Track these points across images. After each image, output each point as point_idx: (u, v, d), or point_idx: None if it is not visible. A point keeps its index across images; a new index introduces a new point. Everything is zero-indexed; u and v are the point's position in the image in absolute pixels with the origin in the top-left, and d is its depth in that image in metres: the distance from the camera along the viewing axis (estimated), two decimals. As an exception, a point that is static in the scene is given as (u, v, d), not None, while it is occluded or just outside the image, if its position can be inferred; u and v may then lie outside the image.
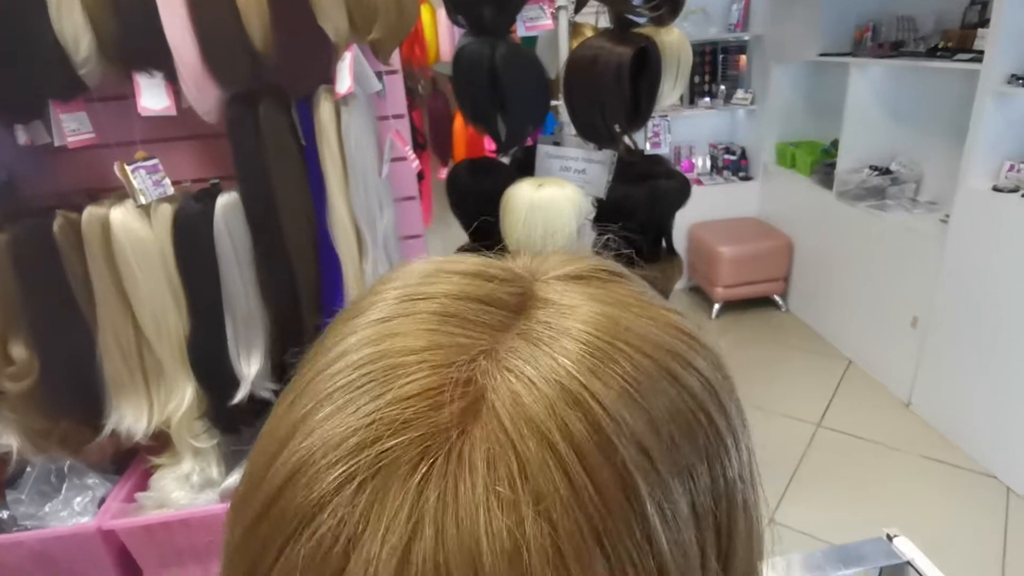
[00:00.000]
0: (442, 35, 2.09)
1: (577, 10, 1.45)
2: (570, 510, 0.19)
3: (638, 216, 1.40)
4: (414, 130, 2.12)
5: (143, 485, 1.28)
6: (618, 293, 0.28)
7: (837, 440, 2.83)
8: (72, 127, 1.08)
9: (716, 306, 3.88)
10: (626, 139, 1.39)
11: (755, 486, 0.28)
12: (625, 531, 0.20)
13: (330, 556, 0.19)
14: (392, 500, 0.19)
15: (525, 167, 1.48)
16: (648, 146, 1.70)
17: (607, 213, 1.42)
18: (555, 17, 1.39)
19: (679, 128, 4.11)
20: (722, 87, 4.04)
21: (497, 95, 1.32)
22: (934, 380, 2.85)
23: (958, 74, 2.69)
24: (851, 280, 3.35)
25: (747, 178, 4.15)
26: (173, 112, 1.09)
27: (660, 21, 1.34)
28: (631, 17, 1.32)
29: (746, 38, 3.94)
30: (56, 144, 1.09)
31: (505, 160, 1.52)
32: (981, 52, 2.44)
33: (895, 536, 0.93)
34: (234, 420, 1.26)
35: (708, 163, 4.31)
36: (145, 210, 1.11)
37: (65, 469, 1.26)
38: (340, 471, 0.19)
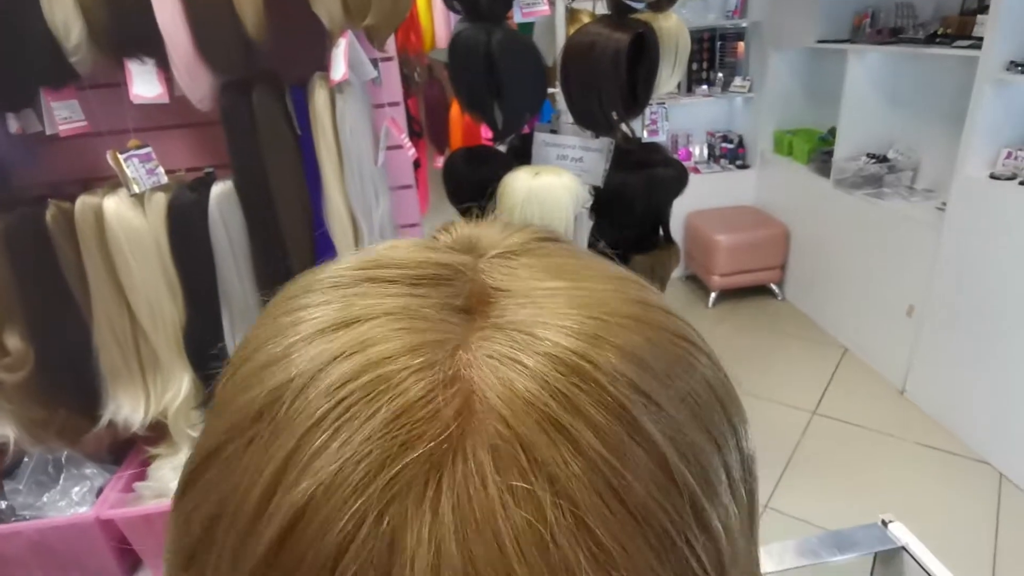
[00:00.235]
0: (438, 22, 2.07)
1: (574, -4, 1.44)
2: (588, 481, 0.18)
3: (635, 204, 1.40)
4: (410, 118, 2.11)
5: (141, 475, 1.28)
6: (563, 259, 0.27)
7: (832, 427, 2.85)
8: (63, 115, 1.07)
9: (712, 294, 3.89)
10: (623, 127, 1.38)
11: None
12: (651, 484, 0.19)
13: None
14: (411, 527, 0.18)
15: (522, 155, 1.48)
16: (645, 134, 1.69)
17: (604, 201, 1.41)
18: (552, 3, 1.38)
19: (676, 116, 4.10)
20: (720, 75, 4.02)
21: (493, 82, 1.31)
22: (929, 368, 2.87)
23: (957, 61, 2.68)
24: (847, 268, 3.36)
25: (744, 166, 4.14)
26: (166, 100, 1.08)
27: (658, 7, 1.33)
28: (629, 3, 1.31)
29: (744, 25, 3.91)
30: (48, 132, 1.08)
31: (502, 148, 1.51)
32: (980, 39, 2.43)
33: (890, 522, 0.94)
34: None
35: (705, 151, 4.30)
36: (139, 199, 1.10)
37: (63, 459, 1.26)
38: (352, 511, 0.18)
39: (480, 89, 1.33)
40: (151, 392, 1.21)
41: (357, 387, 0.20)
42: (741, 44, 3.99)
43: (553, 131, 1.47)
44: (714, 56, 4.04)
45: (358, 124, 1.12)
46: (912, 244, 2.87)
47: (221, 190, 1.12)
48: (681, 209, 4.06)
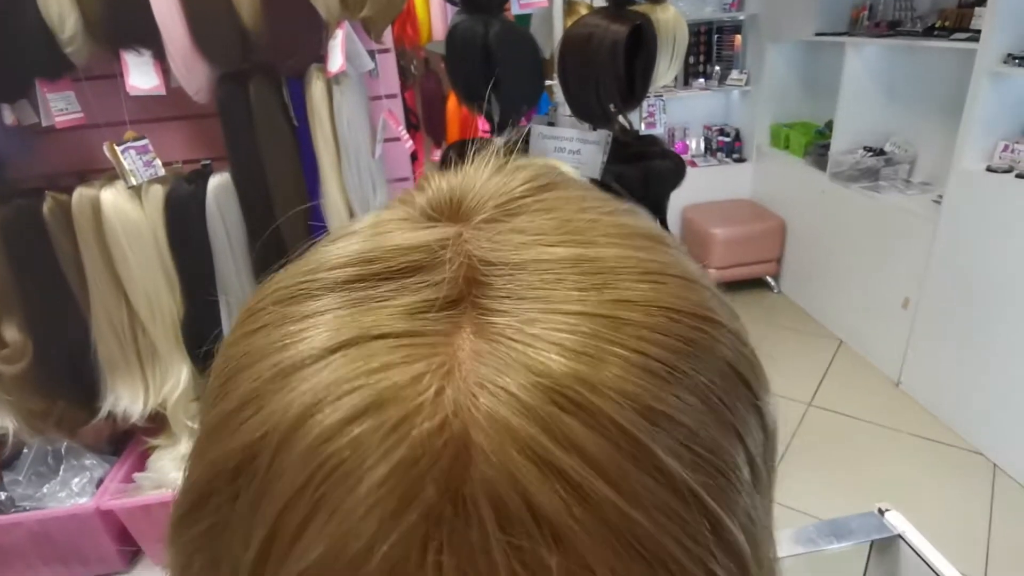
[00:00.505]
0: (434, 14, 2.06)
1: (571, -13, 1.43)
2: (595, 532, 0.17)
3: (632, 197, 1.40)
4: (407, 110, 2.10)
5: (140, 466, 1.28)
6: (565, 214, 0.23)
7: (828, 419, 2.86)
8: (60, 106, 1.07)
9: (710, 287, 3.89)
10: (621, 119, 1.38)
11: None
12: (664, 518, 0.17)
13: None
14: None
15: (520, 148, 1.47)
16: (643, 126, 1.69)
17: (602, 193, 1.41)
18: (549, -5, 1.38)
19: (673, 109, 4.09)
20: (717, 68, 4.01)
21: (490, 74, 1.31)
22: (924, 360, 2.88)
23: (954, 53, 2.68)
24: (843, 261, 3.37)
25: (741, 160, 4.14)
26: (162, 91, 1.08)
27: (655, -1, 1.32)
28: (626, -6, 1.31)
29: (741, 18, 3.90)
30: (44, 124, 1.07)
31: (499, 141, 1.51)
32: (978, 31, 2.43)
33: (886, 510, 0.95)
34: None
35: (702, 145, 4.30)
36: (136, 191, 1.10)
37: (62, 451, 1.26)
38: None
39: (477, 81, 1.32)
40: (150, 383, 1.21)
41: (334, 451, 0.18)
42: (738, 37, 3.98)
43: (550, 123, 1.47)
44: (711, 49, 4.03)
45: (355, 116, 1.12)
46: (908, 237, 2.88)
47: (218, 182, 1.12)
48: (678, 202, 4.06)
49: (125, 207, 1.09)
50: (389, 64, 1.26)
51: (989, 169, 2.45)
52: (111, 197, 1.08)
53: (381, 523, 0.17)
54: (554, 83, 1.40)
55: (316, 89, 1.09)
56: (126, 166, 1.08)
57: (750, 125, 4.06)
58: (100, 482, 1.23)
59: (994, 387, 2.51)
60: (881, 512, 0.95)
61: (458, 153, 1.50)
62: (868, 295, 3.20)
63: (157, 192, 1.11)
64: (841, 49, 3.16)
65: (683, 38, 1.36)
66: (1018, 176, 2.34)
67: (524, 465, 0.17)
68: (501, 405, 0.17)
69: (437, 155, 2.24)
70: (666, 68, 1.37)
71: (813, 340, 3.46)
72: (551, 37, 1.42)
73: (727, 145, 4.17)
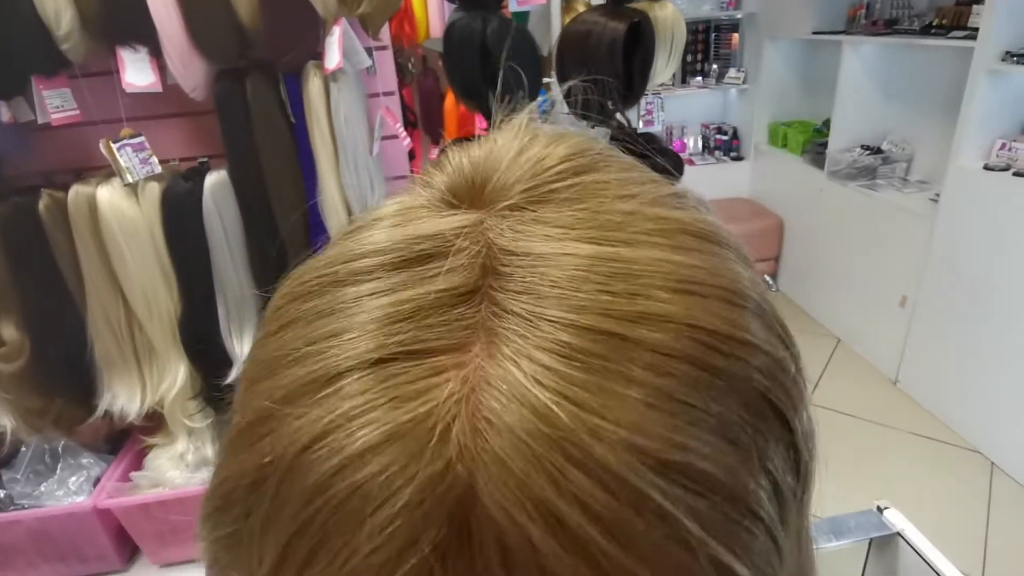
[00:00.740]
0: (432, 11, 2.06)
1: (569, -15, 1.43)
2: None
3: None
4: (404, 108, 2.10)
5: (138, 465, 1.28)
6: (600, 204, 0.21)
7: (826, 417, 2.87)
8: (55, 104, 1.06)
9: (708, 286, 3.90)
10: (619, 117, 1.37)
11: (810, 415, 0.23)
12: (666, 568, 0.17)
13: None
14: None
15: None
16: (641, 124, 1.69)
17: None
18: (547, -8, 1.38)
19: (671, 108, 4.09)
20: (714, 66, 4.02)
21: (488, 71, 1.30)
22: (921, 358, 2.88)
23: (952, 52, 2.69)
24: (841, 259, 3.37)
25: (739, 158, 4.14)
26: (159, 88, 1.07)
27: (654, -4, 1.32)
28: (624, -8, 1.31)
29: (739, 16, 3.91)
30: (40, 121, 1.07)
31: (497, 138, 1.51)
32: (975, 29, 2.43)
33: (885, 508, 0.95)
34: (228, 399, 1.26)
35: (700, 143, 4.30)
36: (132, 189, 1.10)
37: (59, 449, 1.26)
38: None
39: (475, 78, 1.32)
40: (147, 382, 1.20)
41: (339, 490, 0.17)
42: (736, 35, 3.98)
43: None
44: (709, 47, 4.03)
45: (353, 113, 1.12)
46: (906, 235, 2.89)
47: (215, 180, 1.11)
48: (676, 201, 4.06)
49: (121, 205, 1.08)
50: (387, 61, 1.26)
51: (986, 167, 2.45)
52: (107, 195, 1.08)
53: (384, 564, 0.17)
54: (552, 81, 1.40)
55: (313, 86, 1.08)
56: (122, 163, 1.08)
57: (748, 123, 4.06)
58: (97, 481, 1.23)
59: (992, 385, 2.52)
60: (880, 510, 0.95)
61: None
62: (866, 293, 3.21)
63: (154, 190, 1.11)
64: (838, 47, 3.16)
65: (681, 36, 1.36)
66: (1015, 174, 2.34)
67: (528, 515, 0.16)
68: (508, 449, 0.17)
69: (435, 153, 2.24)
70: (664, 65, 1.36)
71: (811, 339, 3.47)
72: (549, 34, 1.42)
73: (725, 143, 4.17)
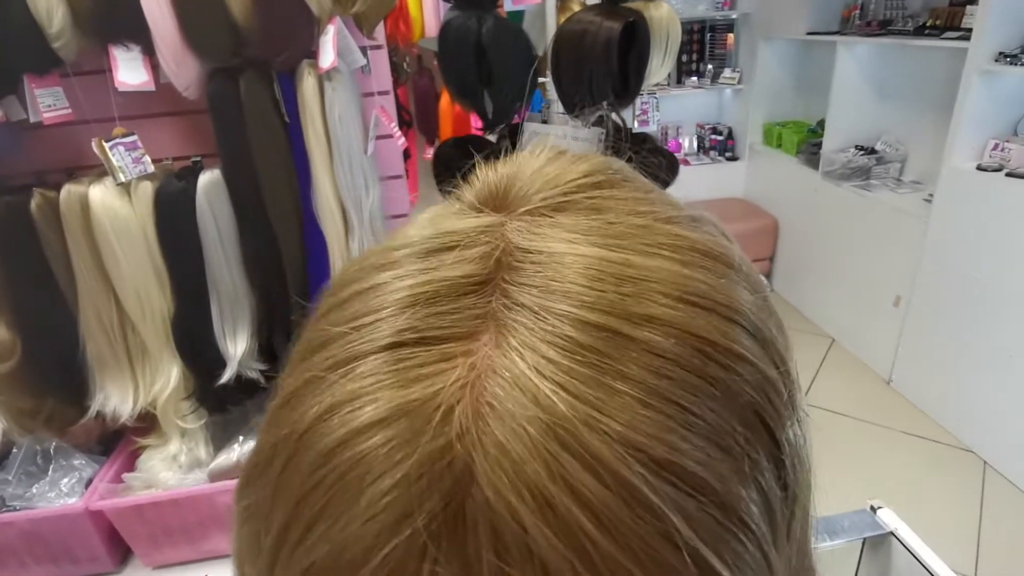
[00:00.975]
0: (427, 10, 2.06)
1: (565, -16, 1.43)
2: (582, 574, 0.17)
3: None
4: (399, 107, 2.10)
5: (130, 466, 1.27)
6: (615, 216, 0.23)
7: (820, 417, 2.88)
8: (47, 102, 1.06)
9: (703, 286, 3.91)
10: (614, 117, 1.37)
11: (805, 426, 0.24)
12: (652, 567, 0.17)
13: None
14: None
15: (512, 145, 1.47)
16: (636, 124, 1.69)
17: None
18: (542, -9, 1.37)
19: (666, 108, 4.10)
20: (709, 66, 4.03)
21: (483, 71, 1.30)
22: (915, 358, 2.90)
23: (946, 52, 2.70)
24: (835, 259, 3.38)
25: (734, 158, 4.15)
26: (151, 87, 1.07)
27: (649, -4, 1.32)
28: (619, -9, 1.31)
29: (734, 16, 3.92)
30: (31, 120, 1.06)
31: (492, 138, 1.50)
32: (969, 30, 2.45)
33: (879, 508, 0.95)
34: (221, 400, 1.25)
35: (695, 143, 4.31)
36: (125, 188, 1.09)
37: (51, 450, 1.25)
38: None
39: (470, 78, 1.32)
40: (140, 382, 1.20)
41: (343, 461, 0.18)
42: (731, 36, 3.99)
43: (544, 121, 1.46)
44: (704, 47, 4.04)
45: (347, 112, 1.11)
46: (899, 235, 2.90)
47: (209, 179, 1.11)
48: (671, 201, 4.07)
49: (114, 204, 1.08)
50: (381, 60, 1.26)
51: (979, 168, 2.46)
52: (100, 194, 1.07)
53: (380, 533, 0.17)
54: (547, 80, 1.40)
55: (308, 85, 1.08)
56: (115, 163, 1.07)
57: (743, 123, 4.07)
58: (89, 482, 1.22)
59: (985, 385, 2.53)
60: (873, 510, 0.95)
61: (452, 149, 1.50)
62: (860, 293, 3.22)
63: (147, 189, 1.10)
64: (833, 48, 3.17)
65: (676, 35, 1.36)
66: (1008, 175, 2.35)
67: (522, 498, 0.17)
68: (507, 433, 0.17)
69: (430, 153, 2.23)
70: (659, 65, 1.36)
71: (805, 338, 3.48)
72: (544, 34, 1.42)
73: (720, 143, 4.18)
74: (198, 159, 1.16)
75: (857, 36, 3.10)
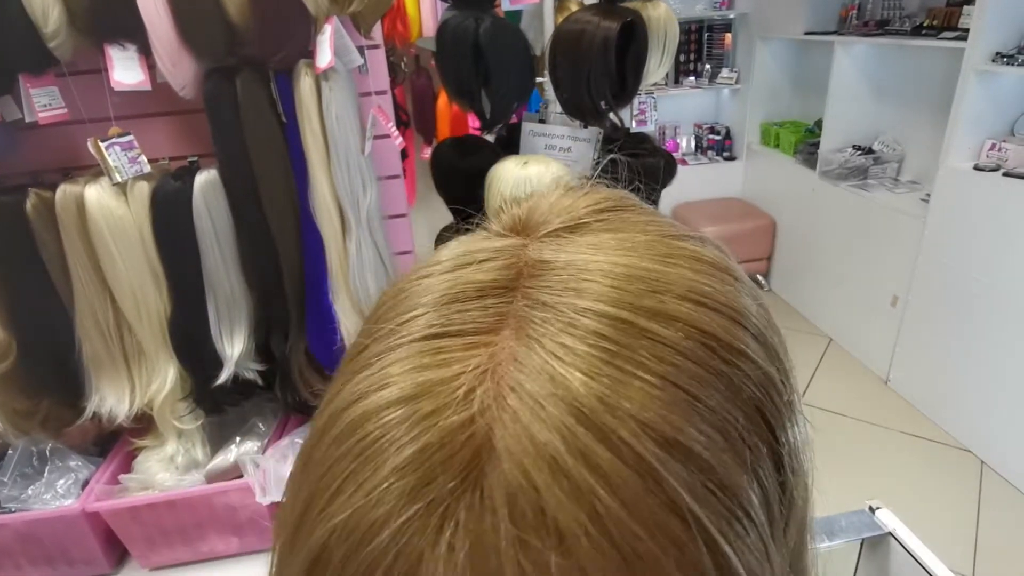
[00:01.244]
0: (425, 10, 2.05)
1: (562, -16, 1.43)
2: (598, 544, 0.17)
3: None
4: (397, 107, 2.09)
5: (127, 467, 1.26)
6: (624, 233, 0.25)
7: (818, 417, 2.88)
8: (43, 102, 1.05)
9: (700, 285, 3.91)
10: (612, 116, 1.37)
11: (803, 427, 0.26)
12: (666, 542, 0.18)
13: None
14: (426, 568, 0.18)
15: (510, 145, 1.47)
16: (634, 124, 1.69)
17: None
18: (540, -9, 1.37)
19: (664, 108, 4.10)
20: (707, 66, 4.03)
21: (481, 70, 1.30)
22: (912, 358, 2.90)
23: (943, 52, 2.70)
24: (833, 259, 3.39)
25: (731, 158, 4.15)
26: (147, 87, 1.06)
27: (646, -5, 1.32)
28: (617, -9, 1.30)
29: (731, 16, 3.92)
30: (27, 120, 1.06)
31: (489, 138, 1.50)
32: (966, 30, 2.45)
33: (877, 508, 0.95)
34: (218, 401, 1.25)
35: (693, 143, 4.31)
36: (121, 188, 1.08)
37: (47, 451, 1.24)
38: (370, 550, 0.18)
39: (468, 77, 1.32)
40: (136, 383, 1.19)
41: (369, 431, 0.20)
42: (728, 35, 3.99)
43: (541, 121, 1.46)
44: (701, 47, 4.04)
45: (344, 112, 1.11)
46: (897, 235, 2.90)
47: (205, 179, 1.10)
48: (668, 200, 4.07)
49: (110, 204, 1.07)
50: (379, 60, 1.25)
51: (977, 168, 2.47)
52: (96, 194, 1.06)
53: (400, 498, 0.19)
54: (545, 80, 1.39)
55: (304, 85, 1.08)
56: (111, 163, 1.06)
57: (740, 123, 4.08)
58: (86, 483, 1.21)
59: (982, 384, 2.53)
60: (872, 510, 0.95)
61: (450, 149, 1.49)
62: (857, 293, 3.22)
63: (143, 189, 1.10)
64: (830, 48, 3.18)
65: (674, 35, 1.36)
66: (1005, 175, 2.36)
67: (540, 468, 0.18)
68: (526, 410, 0.19)
69: (428, 153, 2.23)
70: (657, 65, 1.36)
71: (803, 338, 3.49)
72: (542, 33, 1.42)
73: (717, 143, 4.18)
74: (195, 159, 1.16)
75: (854, 36, 3.10)
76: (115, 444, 1.31)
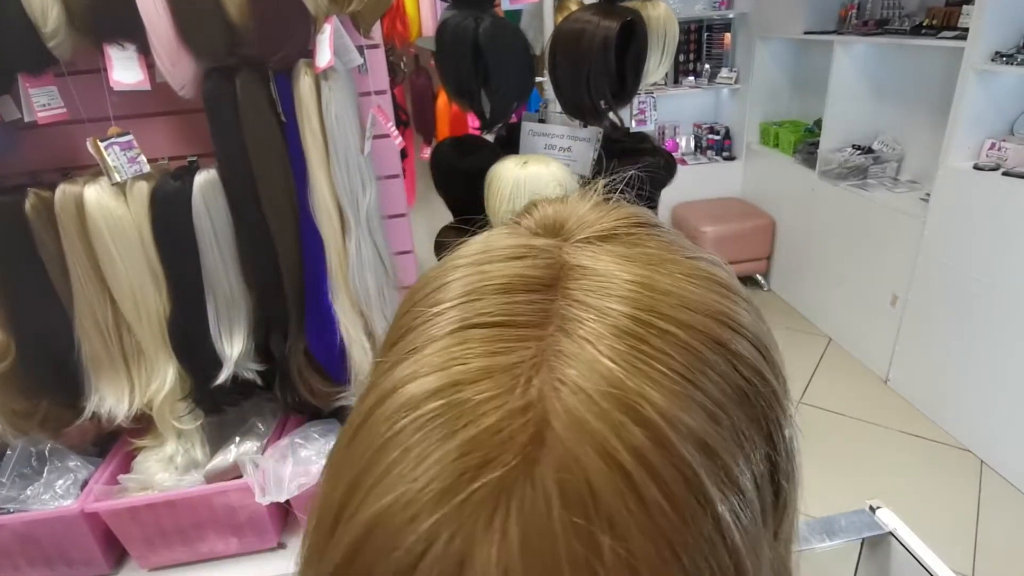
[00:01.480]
0: (424, 10, 2.05)
1: (562, -16, 1.42)
2: (644, 530, 0.19)
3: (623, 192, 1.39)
4: (396, 107, 2.09)
5: (126, 467, 1.26)
6: (650, 249, 0.27)
7: (817, 416, 2.88)
8: (42, 102, 1.05)
9: (700, 285, 3.91)
10: (612, 116, 1.37)
11: (794, 428, 0.28)
12: (700, 536, 0.20)
13: None
14: (480, 550, 0.19)
15: (509, 145, 1.47)
16: (634, 123, 1.69)
17: (593, 191, 1.40)
18: (540, -10, 1.37)
19: (663, 108, 4.10)
20: (706, 66, 4.03)
21: (481, 70, 1.30)
22: (912, 357, 2.90)
23: (942, 52, 2.70)
24: (832, 259, 3.39)
25: (731, 158, 4.15)
26: (147, 86, 1.06)
27: (646, -5, 1.32)
28: (617, -9, 1.30)
29: (731, 16, 3.92)
30: (26, 119, 1.05)
31: (489, 138, 1.50)
32: (966, 29, 2.45)
33: (878, 508, 0.95)
34: (217, 401, 1.25)
35: (692, 143, 4.31)
36: (121, 188, 1.08)
37: (46, 452, 1.24)
38: (424, 528, 0.19)
39: (467, 77, 1.31)
40: (135, 383, 1.19)
41: (431, 409, 0.21)
42: (728, 35, 3.99)
43: (541, 120, 1.46)
44: (701, 47, 4.04)
45: (344, 112, 1.11)
46: (896, 235, 2.90)
47: (205, 179, 1.10)
48: (668, 200, 4.07)
49: (109, 204, 1.07)
50: (378, 59, 1.25)
51: (976, 167, 2.47)
52: (95, 194, 1.06)
53: (460, 476, 0.19)
54: (545, 80, 1.39)
55: (304, 84, 1.07)
56: (110, 162, 1.06)
57: (740, 123, 4.07)
58: (85, 484, 1.21)
59: (982, 384, 2.53)
60: (872, 510, 0.95)
61: (450, 149, 1.49)
62: (857, 293, 3.22)
63: (142, 189, 1.09)
64: (830, 47, 3.18)
65: (674, 34, 1.36)
66: (1005, 174, 2.36)
67: (592, 456, 0.19)
68: (579, 403, 0.20)
69: (427, 152, 2.23)
70: (657, 64, 1.36)
71: (802, 338, 3.49)
72: (542, 33, 1.42)
73: (717, 143, 4.18)
74: (194, 159, 1.16)
75: (854, 36, 3.10)
76: (114, 444, 1.31)
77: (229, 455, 1.23)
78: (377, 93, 1.24)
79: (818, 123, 3.50)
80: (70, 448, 1.27)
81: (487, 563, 0.18)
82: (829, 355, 3.35)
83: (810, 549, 0.90)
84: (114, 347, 1.17)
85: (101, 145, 1.05)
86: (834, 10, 3.36)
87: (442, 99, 2.22)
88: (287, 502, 1.18)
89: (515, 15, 1.50)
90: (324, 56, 1.05)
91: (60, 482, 1.21)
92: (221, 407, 1.27)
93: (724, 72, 4.01)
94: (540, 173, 1.27)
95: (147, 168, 1.10)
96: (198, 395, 1.23)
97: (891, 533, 0.92)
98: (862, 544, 0.94)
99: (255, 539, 1.23)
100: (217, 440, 1.29)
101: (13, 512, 1.16)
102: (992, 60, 2.34)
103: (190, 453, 1.26)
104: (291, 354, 1.23)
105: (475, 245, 0.29)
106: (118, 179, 1.07)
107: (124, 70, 1.04)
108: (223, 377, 1.18)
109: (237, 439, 1.27)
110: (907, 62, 3.09)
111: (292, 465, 1.18)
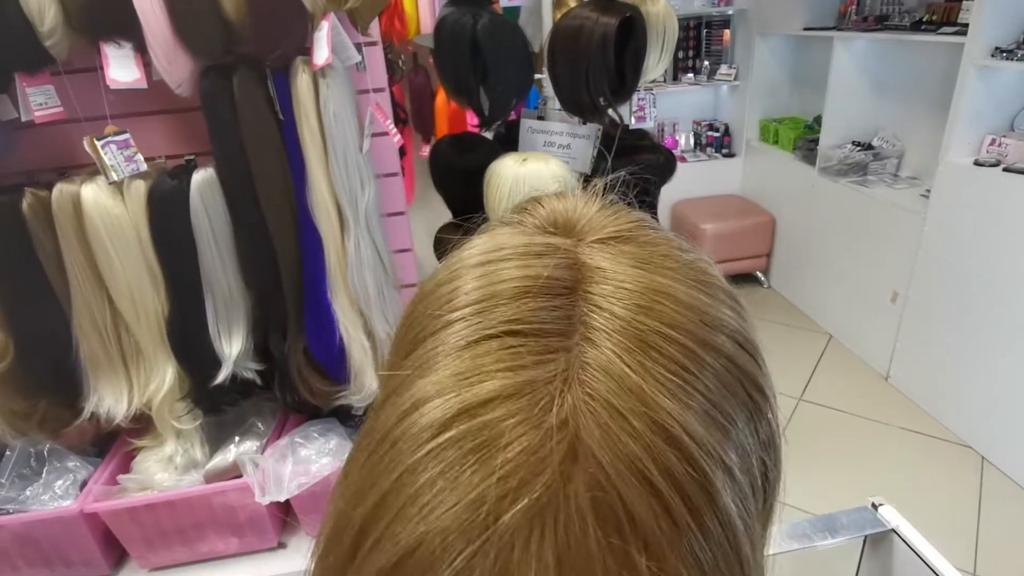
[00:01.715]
0: (423, 7, 2.05)
1: (561, -20, 1.42)
2: (675, 549, 0.20)
3: (622, 191, 1.39)
4: (395, 105, 2.09)
5: (125, 468, 1.26)
6: (659, 252, 0.27)
7: (818, 413, 2.88)
8: (39, 101, 1.04)
9: (700, 282, 3.90)
10: (611, 113, 1.37)
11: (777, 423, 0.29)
12: (719, 552, 0.21)
13: None
14: (519, 573, 0.19)
15: (508, 142, 1.46)
16: (633, 120, 1.69)
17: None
18: (538, -13, 1.36)
19: (662, 104, 4.09)
20: (706, 63, 4.02)
21: (479, 67, 1.29)
22: (912, 354, 2.90)
23: (942, 48, 2.70)
24: (833, 256, 3.38)
25: (730, 155, 4.15)
26: (143, 85, 1.05)
27: (645, -9, 1.31)
28: (616, -13, 1.30)
29: (730, 12, 3.91)
30: (23, 119, 1.05)
31: (488, 135, 1.50)
32: (966, 25, 2.44)
33: (880, 505, 0.94)
34: (217, 401, 1.24)
35: (692, 140, 4.30)
36: (118, 187, 1.08)
37: (45, 452, 1.24)
38: (461, 558, 0.19)
39: (466, 74, 1.31)
40: (134, 383, 1.19)
41: (466, 431, 0.20)
42: (727, 32, 3.98)
43: (540, 117, 1.45)
44: (700, 44, 4.03)
45: (342, 110, 1.10)
46: (896, 231, 2.90)
47: (202, 177, 1.10)
48: (668, 198, 4.06)
49: (107, 203, 1.07)
50: (376, 57, 1.25)
51: (976, 163, 2.46)
52: (92, 193, 1.06)
53: (497, 500, 0.19)
54: (544, 76, 1.39)
55: (302, 82, 1.07)
56: (107, 161, 1.06)
57: (739, 120, 4.07)
58: (84, 484, 1.21)
59: (982, 380, 2.53)
60: (874, 507, 0.95)
61: (448, 147, 1.48)
62: (857, 289, 3.22)
63: (139, 188, 1.09)
64: (829, 44, 3.17)
65: (673, 31, 1.35)
66: (1005, 170, 2.35)
67: (626, 476, 0.20)
68: (612, 422, 0.20)
69: (426, 151, 2.22)
70: (656, 61, 1.36)
71: (803, 335, 3.48)
72: (540, 30, 1.41)
73: (716, 140, 4.17)
74: (191, 157, 1.15)
75: (854, 31, 3.09)
76: (113, 444, 1.31)
77: (229, 455, 1.23)
78: (375, 91, 1.23)
79: (818, 120, 3.49)
80: (69, 448, 1.27)
81: None
82: (829, 352, 3.35)
83: (812, 547, 0.90)
84: (112, 347, 1.16)
85: (98, 144, 1.04)
86: (834, 6, 3.35)
87: (441, 97, 2.21)
88: (287, 501, 1.18)
89: (513, 12, 1.50)
90: (322, 54, 1.04)
91: (59, 482, 1.21)
92: (220, 407, 1.27)
93: (723, 69, 4.00)
94: (539, 170, 1.26)
95: (144, 167, 1.10)
96: (197, 395, 1.22)
97: (893, 530, 0.91)
98: (864, 541, 0.94)
99: (255, 539, 1.23)
100: (216, 440, 1.29)
101: (12, 513, 1.16)
102: (992, 56, 2.33)
103: (189, 453, 1.25)
104: (290, 353, 1.23)
105: (482, 243, 0.28)
106: (115, 178, 1.06)
107: (121, 68, 1.03)
108: (222, 377, 1.18)
109: (236, 439, 1.26)
110: (907, 58, 3.08)
111: (292, 464, 1.18)
